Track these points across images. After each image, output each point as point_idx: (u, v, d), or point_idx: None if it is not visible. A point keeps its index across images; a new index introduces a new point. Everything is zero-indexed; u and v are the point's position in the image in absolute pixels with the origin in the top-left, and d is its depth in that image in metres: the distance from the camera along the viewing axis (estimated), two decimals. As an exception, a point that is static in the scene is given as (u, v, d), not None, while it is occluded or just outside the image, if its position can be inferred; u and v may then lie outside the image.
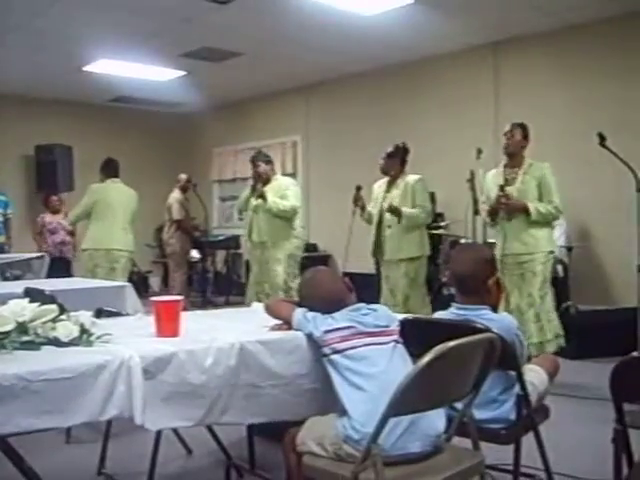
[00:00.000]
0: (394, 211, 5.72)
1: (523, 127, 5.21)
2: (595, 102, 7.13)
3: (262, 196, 6.23)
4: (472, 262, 2.84)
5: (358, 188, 5.90)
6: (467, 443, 2.43)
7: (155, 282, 11.63)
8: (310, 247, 9.44)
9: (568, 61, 7.43)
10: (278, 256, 6.26)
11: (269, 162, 6.47)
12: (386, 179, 5.99)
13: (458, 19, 7.19)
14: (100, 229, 6.88)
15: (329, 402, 2.53)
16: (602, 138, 4.77)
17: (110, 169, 7.16)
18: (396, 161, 5.90)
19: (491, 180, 5.33)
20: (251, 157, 6.53)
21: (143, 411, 2.12)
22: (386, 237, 5.88)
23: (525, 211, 5.04)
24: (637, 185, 4.71)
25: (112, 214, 6.91)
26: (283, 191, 6.31)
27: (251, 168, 6.47)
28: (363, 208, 5.93)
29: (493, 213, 5.28)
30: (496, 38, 7.85)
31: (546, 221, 5.13)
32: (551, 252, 5.18)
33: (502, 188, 5.12)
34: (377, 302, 2.85)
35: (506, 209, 5.13)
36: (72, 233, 9.15)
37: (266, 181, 6.34)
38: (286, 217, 6.30)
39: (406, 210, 5.73)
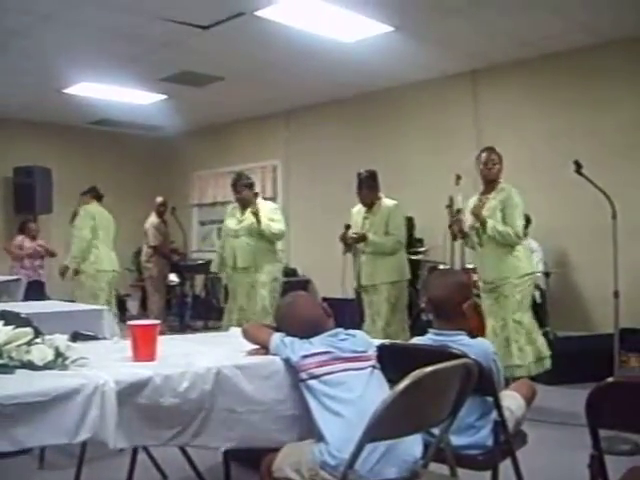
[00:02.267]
0: (359, 240, 5.88)
1: (498, 154, 5.23)
2: (573, 130, 7.23)
3: (257, 217, 6.15)
4: (447, 287, 2.86)
5: (347, 227, 5.96)
6: (444, 469, 2.43)
7: (133, 306, 11.53)
8: (290, 272, 9.43)
9: (546, 89, 7.54)
10: (263, 280, 6.20)
11: (251, 186, 6.41)
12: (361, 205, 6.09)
13: (438, 47, 7.28)
14: (109, 251, 7.16)
15: (309, 428, 2.51)
16: (578, 166, 4.81)
17: (99, 194, 7.39)
18: (373, 189, 6.00)
19: (469, 207, 5.37)
20: (232, 181, 6.45)
21: (115, 436, 2.09)
22: (361, 263, 5.94)
23: (482, 224, 5.06)
24: (613, 212, 4.75)
25: (109, 236, 7.21)
26: (270, 215, 6.28)
27: (233, 193, 6.42)
28: (350, 246, 5.99)
29: (457, 231, 5.38)
30: (475, 66, 7.95)
31: (504, 241, 5.05)
32: (527, 275, 5.13)
33: (458, 212, 5.27)
34: (356, 328, 2.85)
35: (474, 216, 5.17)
36: (52, 254, 9.11)
37: (247, 205, 6.33)
38: (275, 240, 6.31)
39: (372, 238, 5.83)
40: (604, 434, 2.01)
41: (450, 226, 5.44)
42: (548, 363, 5.06)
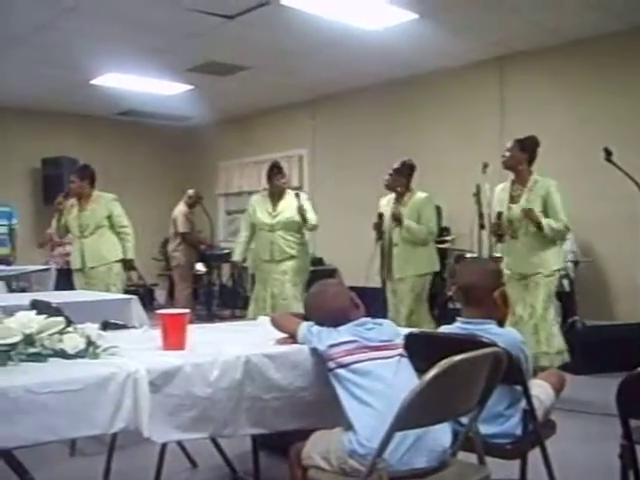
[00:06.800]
0: (397, 219, 5.80)
1: (522, 142, 5.15)
2: (601, 116, 7.14)
3: (303, 216, 6.13)
4: (478, 274, 2.84)
5: (380, 216, 5.92)
6: (473, 458, 2.42)
7: (161, 295, 11.63)
8: (316, 261, 9.43)
9: (573, 76, 7.45)
10: (295, 268, 6.17)
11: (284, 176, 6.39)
12: (393, 195, 6.02)
13: (463, 34, 7.23)
14: None
15: (333, 416, 2.52)
16: (608, 153, 4.76)
17: None
18: (402, 177, 5.94)
19: (498, 195, 5.31)
20: (273, 169, 6.33)
21: (149, 423, 2.12)
22: (393, 255, 5.90)
23: (538, 226, 4.96)
24: (643, 200, 4.70)
25: None
26: (304, 206, 6.21)
27: (272, 182, 6.29)
28: (382, 235, 5.95)
29: (497, 234, 5.25)
30: (501, 53, 7.88)
31: (557, 238, 5.04)
32: (557, 270, 5.10)
33: (499, 216, 5.14)
34: (383, 316, 2.84)
35: (527, 219, 5.04)
36: None
37: (280, 196, 6.28)
38: (313, 231, 6.37)
39: (408, 222, 5.78)
40: (635, 424, 2.00)
41: (494, 232, 5.29)
42: (567, 356, 5.02)
